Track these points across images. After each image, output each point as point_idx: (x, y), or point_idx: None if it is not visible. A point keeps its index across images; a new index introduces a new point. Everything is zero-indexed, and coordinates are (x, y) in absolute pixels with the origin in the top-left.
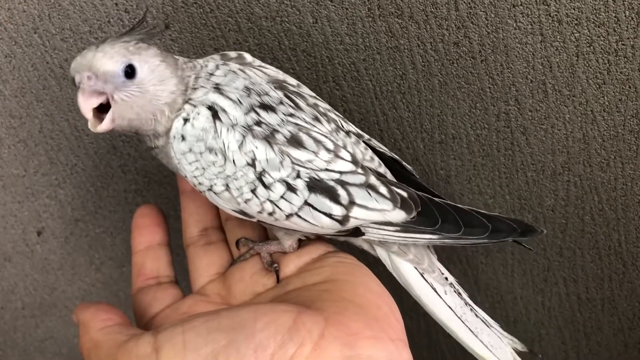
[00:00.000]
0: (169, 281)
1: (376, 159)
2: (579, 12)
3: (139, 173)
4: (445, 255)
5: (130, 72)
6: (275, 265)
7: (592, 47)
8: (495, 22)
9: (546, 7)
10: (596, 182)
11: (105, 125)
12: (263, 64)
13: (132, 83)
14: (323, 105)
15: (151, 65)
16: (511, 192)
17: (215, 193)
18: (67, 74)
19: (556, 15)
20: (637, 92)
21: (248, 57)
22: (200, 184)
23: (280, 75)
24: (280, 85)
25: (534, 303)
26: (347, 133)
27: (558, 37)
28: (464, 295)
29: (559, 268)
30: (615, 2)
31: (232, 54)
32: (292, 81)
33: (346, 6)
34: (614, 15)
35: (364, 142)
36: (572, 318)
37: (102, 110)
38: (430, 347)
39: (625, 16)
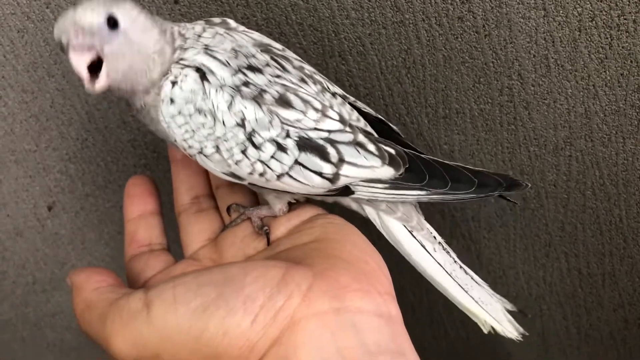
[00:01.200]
0: (161, 248)
1: (362, 119)
2: None
3: (148, 148)
4: (447, 232)
5: (113, 22)
6: (266, 228)
7: (594, 22)
8: None
9: None
10: (598, 157)
11: (102, 80)
12: (247, 30)
13: (117, 34)
14: (308, 68)
15: (131, 15)
16: (514, 167)
17: (205, 156)
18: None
19: None
20: (639, 66)
21: (232, 22)
22: (190, 147)
23: (265, 39)
24: (265, 48)
25: (535, 278)
26: (333, 94)
27: (561, 11)
28: (452, 254)
29: (561, 243)
30: None
31: (216, 19)
32: (277, 45)
33: None
34: None
35: (349, 103)
36: (573, 293)
37: (93, 71)
38: (432, 323)
39: None
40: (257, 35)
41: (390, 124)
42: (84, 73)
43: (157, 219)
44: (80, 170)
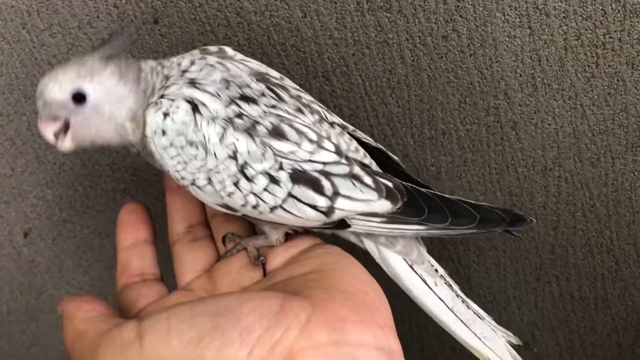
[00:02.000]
0: (154, 278)
1: (361, 149)
2: (566, 4)
3: (127, 171)
4: (436, 253)
5: (81, 97)
6: (262, 258)
7: (580, 41)
8: (483, 15)
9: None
10: (587, 178)
11: (65, 145)
12: (245, 58)
13: (86, 107)
14: (306, 97)
15: (106, 86)
16: (502, 189)
17: (198, 187)
18: None
19: (544, 8)
20: (626, 85)
21: (229, 51)
22: (183, 178)
23: (263, 68)
24: (262, 77)
25: (527, 303)
26: (332, 124)
27: (546, 30)
28: (455, 287)
29: (551, 266)
30: None
31: (213, 48)
32: (275, 74)
33: (335, 0)
34: (600, 8)
35: (348, 133)
36: (566, 318)
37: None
38: (422, 351)
39: (612, 9)
40: (254, 64)
41: (390, 154)
42: (50, 140)
43: (151, 247)
44: (57, 195)
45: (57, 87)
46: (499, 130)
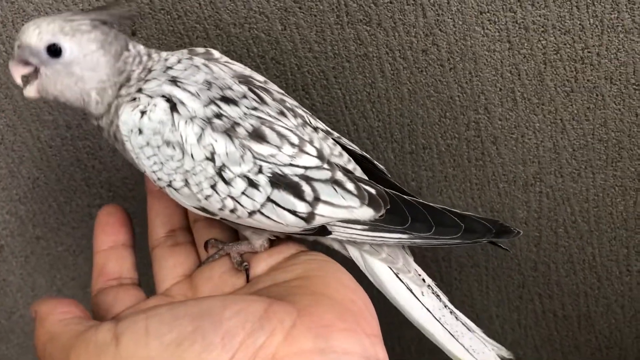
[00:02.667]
0: (131, 283)
1: (345, 154)
2: (544, 19)
3: (102, 187)
4: None
5: (55, 50)
6: (245, 264)
7: (559, 55)
8: (463, 29)
9: (512, 14)
10: (568, 193)
11: (29, 92)
12: (230, 61)
13: (58, 62)
14: (290, 101)
15: (84, 49)
16: (483, 204)
17: (174, 189)
18: None
19: (523, 22)
20: (605, 100)
21: (216, 53)
22: (159, 179)
23: (247, 71)
24: (245, 80)
25: (510, 321)
26: (315, 129)
27: (525, 44)
28: (444, 298)
29: (534, 284)
30: (580, 9)
31: (200, 49)
32: (259, 77)
33: (315, 13)
34: (578, 22)
35: (333, 139)
36: (549, 337)
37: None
38: None
39: (589, 24)
40: (238, 67)
41: (375, 162)
42: (17, 81)
43: (129, 251)
44: (31, 211)
45: (35, 34)
46: (480, 145)
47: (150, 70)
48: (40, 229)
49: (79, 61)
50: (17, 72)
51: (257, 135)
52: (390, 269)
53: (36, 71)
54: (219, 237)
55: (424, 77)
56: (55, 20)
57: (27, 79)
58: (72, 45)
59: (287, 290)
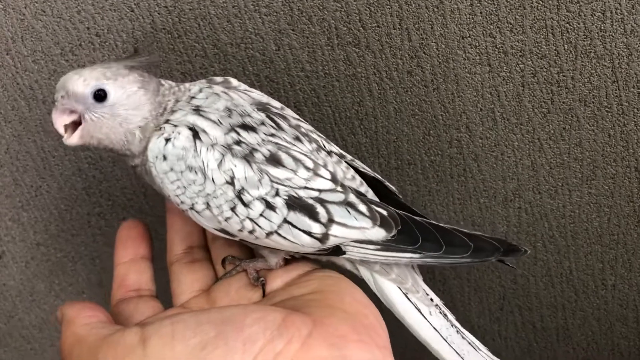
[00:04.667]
0: (149, 295)
1: (358, 178)
2: (522, 44)
3: (102, 196)
4: None
5: (101, 95)
6: (262, 279)
7: (536, 78)
8: (445, 52)
9: (492, 39)
10: (546, 209)
11: (73, 139)
12: (249, 88)
13: (104, 106)
14: (305, 126)
15: (127, 91)
16: (465, 218)
17: (196, 212)
18: (37, 96)
19: (502, 46)
20: (580, 121)
21: (234, 81)
22: (182, 202)
23: (264, 98)
24: (263, 107)
25: (490, 332)
26: (329, 153)
27: (504, 67)
28: (451, 317)
29: (514, 296)
30: (555, 36)
31: (219, 78)
32: (276, 104)
33: (307, 35)
34: (554, 48)
35: (346, 162)
36: (529, 348)
37: (79, 125)
38: None
39: (564, 49)
40: (256, 94)
41: (387, 183)
42: (60, 130)
43: (148, 264)
44: (32, 218)
45: (81, 81)
46: (462, 161)
47: (177, 101)
48: (41, 235)
49: (123, 102)
50: (61, 121)
51: (274, 160)
52: (400, 289)
53: (79, 120)
54: (236, 254)
55: (409, 96)
56: (95, 68)
57: (67, 128)
58: (115, 89)
59: (303, 302)
